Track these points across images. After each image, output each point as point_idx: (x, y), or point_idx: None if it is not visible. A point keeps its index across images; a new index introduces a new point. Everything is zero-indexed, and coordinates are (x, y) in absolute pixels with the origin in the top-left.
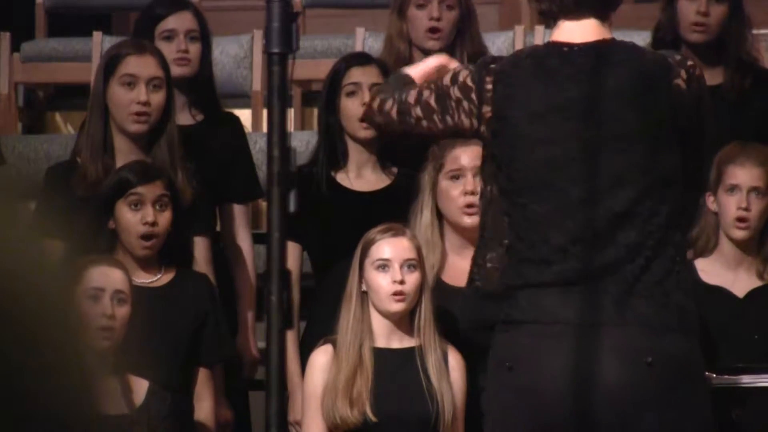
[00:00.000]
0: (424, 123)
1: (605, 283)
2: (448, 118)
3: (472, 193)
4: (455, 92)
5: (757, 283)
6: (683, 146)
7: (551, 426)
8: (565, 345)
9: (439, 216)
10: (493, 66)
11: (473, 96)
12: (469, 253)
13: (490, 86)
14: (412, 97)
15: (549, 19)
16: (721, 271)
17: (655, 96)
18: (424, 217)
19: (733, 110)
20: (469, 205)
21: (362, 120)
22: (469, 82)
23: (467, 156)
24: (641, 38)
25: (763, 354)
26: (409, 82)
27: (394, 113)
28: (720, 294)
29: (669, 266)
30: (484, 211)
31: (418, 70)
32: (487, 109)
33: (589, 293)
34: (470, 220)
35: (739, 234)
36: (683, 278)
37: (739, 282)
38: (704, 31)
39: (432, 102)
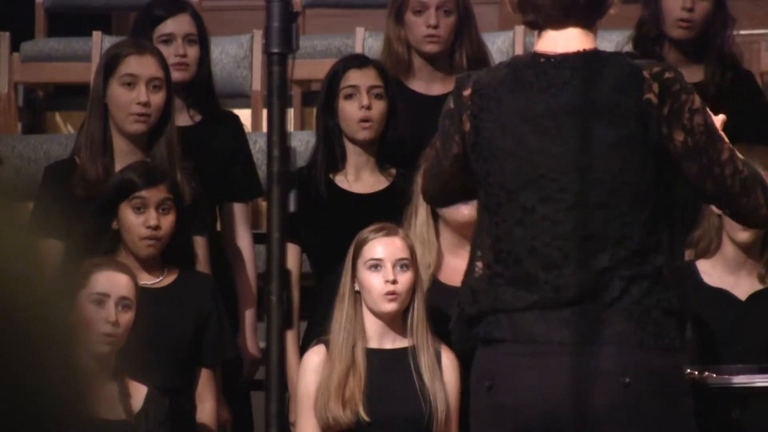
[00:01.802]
0: (446, 162)
1: (584, 305)
2: (449, 149)
3: None
4: (446, 123)
5: (758, 286)
6: (660, 160)
7: None
8: (544, 365)
9: (435, 216)
10: (471, 77)
11: (456, 113)
12: (465, 252)
13: (467, 92)
14: (433, 152)
15: (534, 29)
16: (723, 274)
17: (624, 112)
18: (420, 216)
19: (713, 107)
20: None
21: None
22: (451, 104)
23: None
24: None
25: (764, 356)
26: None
27: (434, 173)
28: (722, 297)
29: (648, 287)
30: (475, 226)
31: None
32: (466, 122)
33: (568, 315)
34: (467, 211)
35: (743, 236)
36: (664, 298)
37: (741, 285)
38: (689, 27)
39: (440, 146)
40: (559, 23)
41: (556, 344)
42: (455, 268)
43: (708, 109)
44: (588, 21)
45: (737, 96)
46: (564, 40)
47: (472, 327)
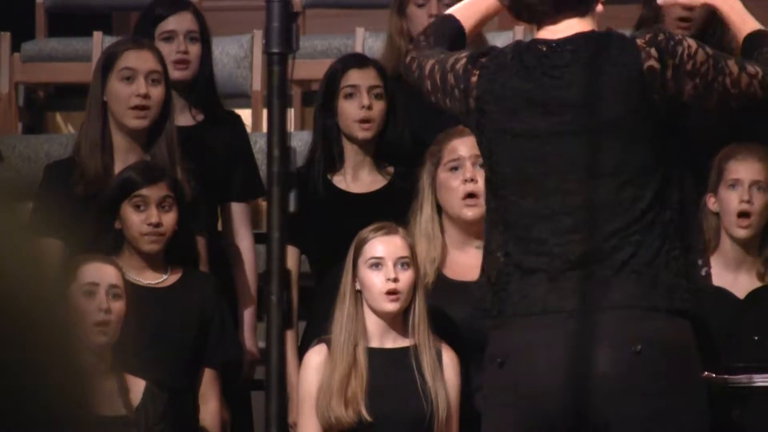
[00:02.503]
0: (433, 98)
1: (593, 269)
2: (448, 101)
3: (472, 180)
4: (451, 78)
5: (757, 284)
6: (675, 122)
7: (546, 418)
8: (555, 336)
9: (439, 211)
10: (481, 60)
11: (462, 86)
12: (470, 247)
13: (474, 78)
14: (428, 67)
15: (530, 24)
16: (722, 272)
17: (628, 86)
18: (425, 212)
19: None
20: (470, 195)
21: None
22: (460, 72)
23: (465, 146)
24: None
25: (763, 355)
26: (447, 32)
27: (416, 77)
28: (720, 295)
29: (658, 246)
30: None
31: (465, 7)
32: (471, 102)
33: (577, 280)
34: (471, 213)
35: (741, 233)
36: (673, 257)
37: (740, 283)
38: (688, 27)
39: (438, 80)
40: (553, 19)
41: (566, 313)
42: (460, 263)
43: (701, 43)
44: (581, 11)
45: None
46: (563, 29)
47: (486, 299)
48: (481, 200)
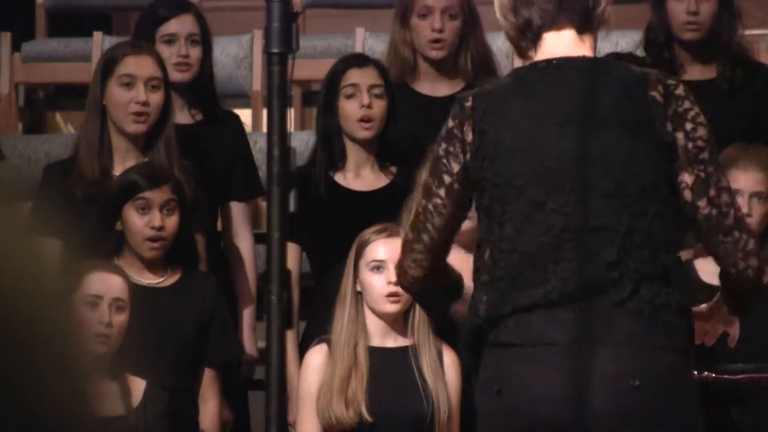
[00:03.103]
0: (436, 220)
1: (592, 301)
2: (445, 177)
3: None
4: (442, 147)
5: None
6: (670, 158)
7: None
8: (552, 367)
9: None
10: (469, 92)
11: (456, 128)
12: (456, 253)
13: (469, 103)
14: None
15: (528, 37)
16: None
17: (630, 105)
18: None
19: (726, 102)
20: None
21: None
22: (450, 123)
23: None
24: (631, 38)
25: (762, 354)
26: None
27: (416, 256)
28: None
29: (658, 287)
30: (477, 243)
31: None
32: (468, 130)
33: (576, 312)
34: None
35: None
36: (674, 298)
37: None
38: (696, 29)
39: (430, 184)
40: (554, 22)
41: (565, 346)
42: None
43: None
44: (581, 25)
45: (751, 90)
46: (563, 45)
47: (480, 333)
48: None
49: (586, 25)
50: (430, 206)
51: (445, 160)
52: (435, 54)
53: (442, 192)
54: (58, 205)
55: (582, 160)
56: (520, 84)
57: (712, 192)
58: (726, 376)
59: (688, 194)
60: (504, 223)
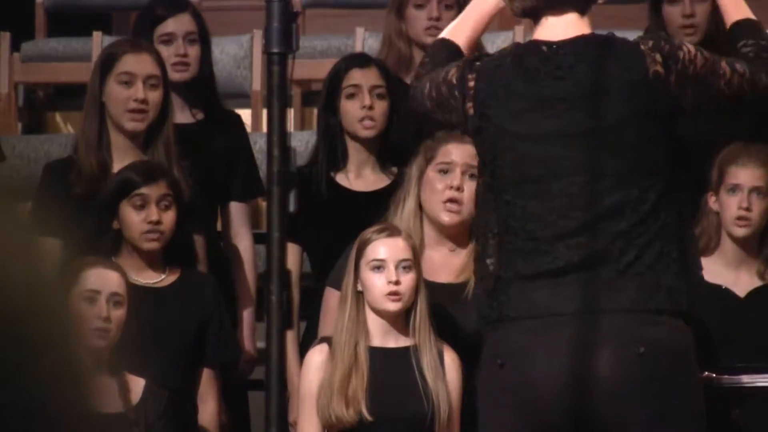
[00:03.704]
0: (437, 116)
1: (597, 271)
2: (447, 115)
3: (457, 188)
4: (445, 90)
5: (757, 283)
6: (673, 126)
7: (547, 420)
8: (557, 338)
9: (420, 206)
10: (476, 64)
11: (456, 93)
12: (443, 248)
13: (472, 83)
14: (426, 89)
15: (531, 17)
16: (723, 271)
17: (634, 88)
18: (408, 206)
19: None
20: (452, 200)
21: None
22: (454, 80)
23: (459, 152)
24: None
25: (763, 354)
26: (444, 55)
27: (419, 103)
28: (721, 293)
29: (660, 248)
30: (477, 205)
31: (456, 27)
32: (469, 106)
33: (581, 282)
34: (448, 219)
35: (740, 231)
36: (673, 259)
37: (740, 282)
38: (693, 32)
39: (434, 96)
40: (557, 8)
41: (569, 315)
42: (433, 261)
43: (698, 47)
44: (584, 6)
45: None
46: (563, 27)
47: (485, 304)
48: (462, 208)
49: (586, 5)
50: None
51: (445, 101)
52: (432, 41)
53: (441, 112)
54: (57, 204)
55: (588, 145)
56: (522, 69)
57: (727, 91)
58: (726, 376)
59: (713, 103)
60: (509, 201)
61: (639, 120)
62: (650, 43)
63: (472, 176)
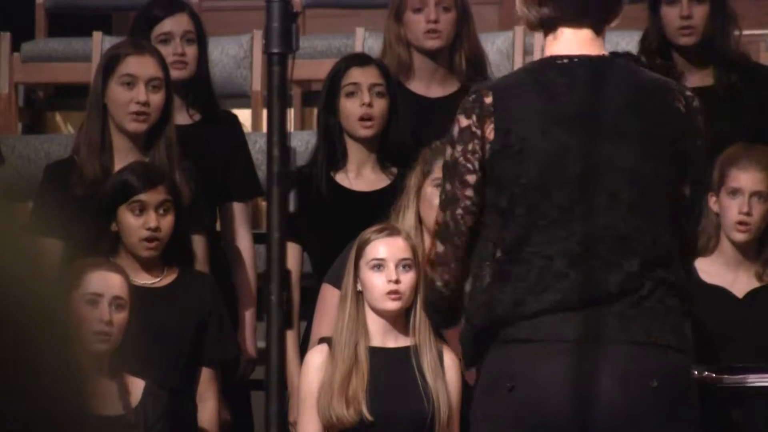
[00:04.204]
0: (468, 219)
1: (609, 305)
2: (469, 177)
3: None
4: (458, 149)
5: (756, 283)
6: (684, 170)
7: None
8: (566, 364)
9: (420, 218)
10: (482, 87)
11: (474, 125)
12: None
13: (489, 100)
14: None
15: (545, 28)
16: (721, 272)
17: (655, 113)
18: (407, 219)
19: (725, 108)
20: None
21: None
22: (463, 122)
23: None
24: (631, 38)
25: (761, 354)
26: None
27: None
28: (719, 294)
29: (670, 286)
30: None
31: None
32: (490, 129)
33: (593, 311)
34: None
35: (740, 237)
36: (679, 302)
37: (739, 283)
38: (691, 33)
39: (451, 192)
40: (575, 21)
41: (582, 344)
42: None
43: None
44: (600, 24)
45: (750, 93)
46: (579, 43)
47: (484, 341)
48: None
49: (604, 24)
50: (459, 212)
51: (463, 161)
52: (431, 44)
53: (469, 192)
54: (58, 205)
55: (608, 169)
56: (539, 84)
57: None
58: (726, 376)
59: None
60: (525, 225)
61: (659, 150)
62: (675, 84)
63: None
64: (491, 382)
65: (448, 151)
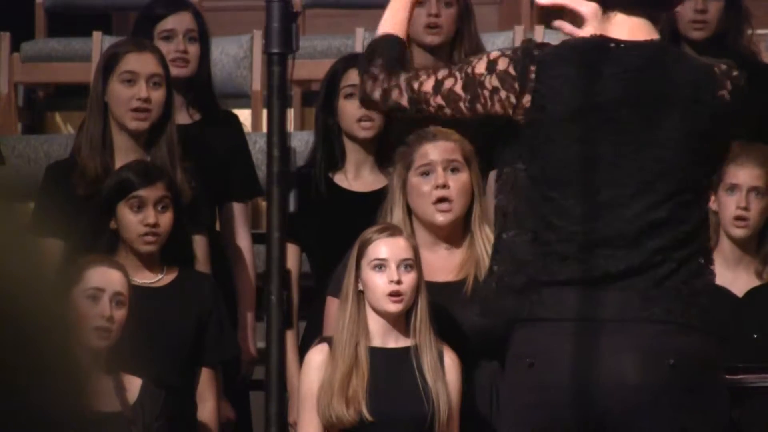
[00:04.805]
0: (447, 111)
1: (632, 281)
2: (478, 106)
3: (444, 186)
4: (491, 81)
5: (756, 282)
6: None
7: (572, 423)
8: (588, 342)
9: (409, 212)
10: (537, 54)
11: (516, 85)
12: (439, 248)
13: (533, 75)
14: (428, 85)
15: (603, 8)
16: (721, 270)
17: (699, 107)
18: (395, 215)
19: None
20: (441, 200)
21: (363, 105)
22: (511, 71)
23: (436, 151)
24: None
25: (762, 353)
26: (395, 54)
27: (405, 102)
28: (719, 293)
29: (695, 269)
30: (503, 191)
31: (391, 18)
32: (527, 99)
33: (615, 290)
34: (442, 218)
35: (738, 232)
36: (708, 282)
37: (739, 281)
38: (703, 27)
39: (458, 90)
40: (628, 8)
41: (601, 322)
42: (430, 263)
43: None
44: (656, 13)
45: (757, 91)
46: (631, 28)
47: (511, 299)
48: (453, 204)
49: (659, 12)
50: (478, 91)
51: (487, 93)
52: (431, 39)
53: (465, 105)
54: (59, 205)
55: (643, 158)
56: (584, 65)
57: None
58: (726, 376)
59: None
60: (556, 198)
61: (698, 142)
62: (723, 67)
63: (454, 170)
64: (514, 359)
65: (476, 69)
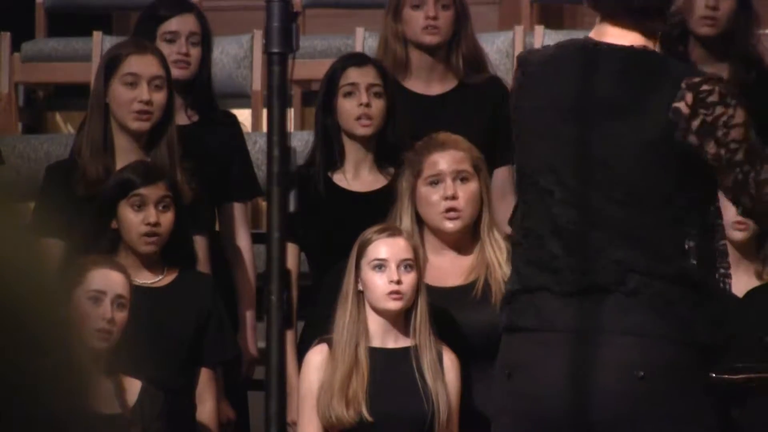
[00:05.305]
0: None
1: (606, 293)
2: None
3: (453, 197)
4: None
5: (755, 282)
6: (690, 162)
7: None
8: (562, 353)
9: (418, 218)
10: (525, 56)
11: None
12: (448, 252)
13: (518, 74)
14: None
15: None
16: None
17: (653, 118)
18: (404, 223)
19: None
20: (450, 209)
21: None
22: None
23: (445, 161)
24: None
25: (762, 354)
26: None
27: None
28: (711, 299)
29: (672, 278)
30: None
31: None
32: (512, 97)
33: (590, 301)
34: (452, 225)
35: (739, 236)
36: (691, 297)
37: (739, 282)
38: (713, 24)
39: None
40: (612, 18)
41: (575, 333)
42: (439, 268)
43: (750, 122)
44: (645, 27)
45: (762, 94)
46: (614, 36)
47: (504, 308)
48: (462, 213)
49: (649, 26)
50: None
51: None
52: (429, 39)
53: None
54: (60, 205)
55: (595, 161)
56: (560, 66)
57: (752, 190)
58: (726, 376)
59: (730, 194)
60: (526, 201)
61: (650, 151)
62: (694, 79)
63: (463, 180)
64: (498, 369)
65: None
